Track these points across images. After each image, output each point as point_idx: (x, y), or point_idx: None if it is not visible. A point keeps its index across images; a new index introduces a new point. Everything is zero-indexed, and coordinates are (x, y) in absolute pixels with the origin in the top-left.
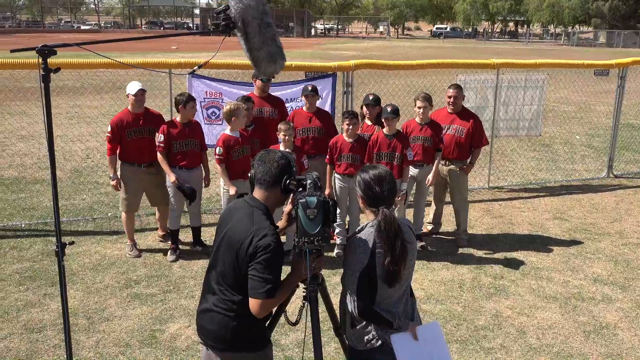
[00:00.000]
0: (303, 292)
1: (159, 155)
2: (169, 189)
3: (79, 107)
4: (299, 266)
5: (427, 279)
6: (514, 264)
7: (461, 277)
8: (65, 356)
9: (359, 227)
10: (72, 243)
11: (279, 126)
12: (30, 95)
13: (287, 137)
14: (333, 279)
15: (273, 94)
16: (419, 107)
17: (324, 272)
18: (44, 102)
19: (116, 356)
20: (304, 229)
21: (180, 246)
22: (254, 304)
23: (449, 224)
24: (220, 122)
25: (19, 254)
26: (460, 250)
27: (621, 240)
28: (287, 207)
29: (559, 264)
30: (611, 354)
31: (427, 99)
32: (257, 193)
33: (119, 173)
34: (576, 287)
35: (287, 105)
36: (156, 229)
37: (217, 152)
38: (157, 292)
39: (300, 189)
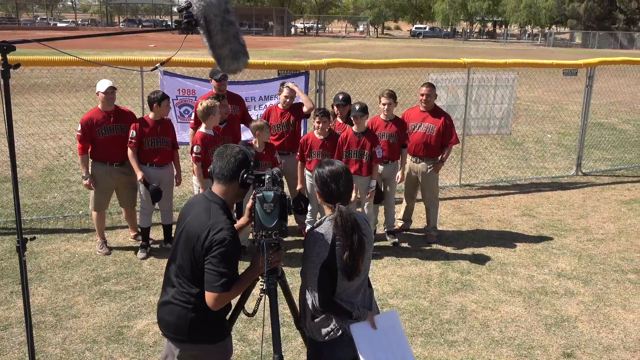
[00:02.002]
0: (261, 285)
1: (129, 151)
2: (139, 187)
3: (53, 105)
4: (257, 259)
5: (395, 275)
6: (481, 260)
7: (429, 272)
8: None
9: (317, 222)
10: (33, 239)
11: (255, 124)
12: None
13: (261, 137)
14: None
15: (247, 92)
16: (384, 104)
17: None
18: (4, 99)
19: (82, 352)
20: (261, 222)
21: (151, 244)
22: (209, 297)
23: (419, 220)
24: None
25: None
26: (430, 247)
27: (586, 236)
28: (249, 202)
29: (525, 259)
30: (570, 345)
31: (392, 96)
32: (216, 188)
33: (90, 171)
34: (540, 281)
35: (261, 103)
36: (127, 226)
37: (195, 150)
38: (126, 289)
39: (259, 183)
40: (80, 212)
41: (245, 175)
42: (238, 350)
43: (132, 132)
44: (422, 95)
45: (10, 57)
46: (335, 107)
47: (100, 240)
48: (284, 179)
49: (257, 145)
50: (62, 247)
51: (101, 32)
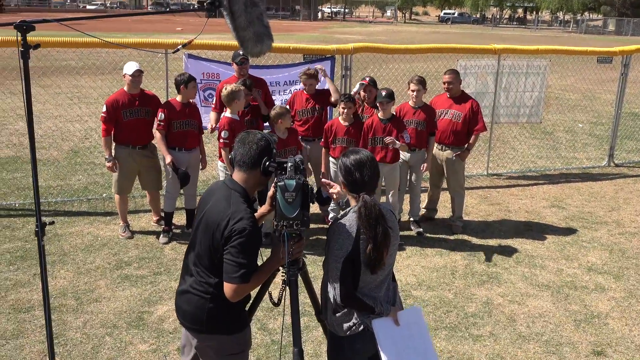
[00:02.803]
0: (282, 276)
1: (157, 134)
2: (165, 171)
3: (80, 87)
4: (278, 250)
5: (419, 265)
6: (508, 252)
7: (454, 263)
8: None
9: (342, 213)
10: (52, 223)
11: (276, 112)
12: (32, 74)
13: (283, 123)
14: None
15: (272, 77)
16: (412, 90)
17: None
18: (24, 79)
19: (102, 337)
20: (282, 212)
21: (173, 229)
22: (227, 288)
23: (445, 210)
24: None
25: (12, 233)
26: (455, 237)
27: (618, 230)
28: (271, 191)
29: (553, 252)
30: (601, 343)
31: (421, 82)
32: (237, 175)
33: (113, 154)
34: (569, 275)
35: (286, 88)
36: (150, 210)
37: (223, 135)
38: (147, 273)
39: (281, 171)
40: (104, 195)
41: (267, 163)
42: (258, 339)
43: (161, 115)
44: (445, 82)
45: (31, 38)
46: (361, 92)
47: (123, 223)
48: (309, 165)
49: (279, 133)
50: (85, 230)
51: (121, 13)
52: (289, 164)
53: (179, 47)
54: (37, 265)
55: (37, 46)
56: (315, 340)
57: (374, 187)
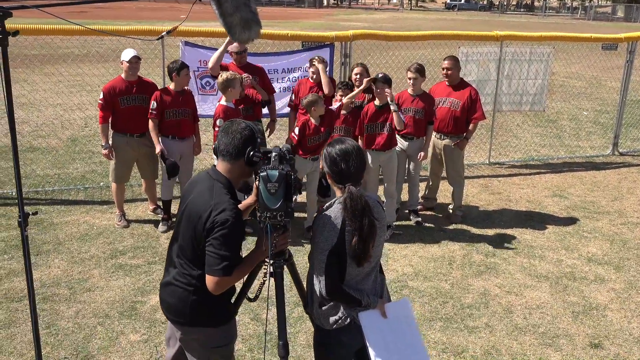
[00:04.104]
0: (265, 269)
1: (150, 123)
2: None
3: (81, 75)
4: (262, 242)
5: (416, 255)
6: (508, 242)
7: (452, 254)
8: (43, 325)
9: (327, 204)
10: (35, 213)
11: (307, 100)
12: (34, 62)
13: (317, 111)
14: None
15: (270, 64)
16: (410, 78)
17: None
18: (2, 66)
19: (94, 327)
20: (265, 203)
21: (172, 217)
22: (210, 281)
23: (444, 199)
24: (214, 93)
25: (7, 222)
26: (454, 227)
27: (620, 220)
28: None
29: (553, 243)
30: (598, 335)
31: (419, 70)
32: (220, 165)
33: (110, 142)
34: (569, 266)
35: (284, 75)
36: (146, 199)
37: (218, 124)
38: (142, 263)
39: (267, 161)
40: (102, 183)
41: (251, 153)
42: (251, 329)
43: (153, 103)
44: (444, 69)
45: (14, 25)
46: (353, 77)
47: (119, 212)
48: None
49: (312, 121)
50: (81, 219)
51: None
52: (274, 154)
53: (162, 34)
54: (32, 254)
55: (15, 33)
56: (308, 331)
57: (360, 178)
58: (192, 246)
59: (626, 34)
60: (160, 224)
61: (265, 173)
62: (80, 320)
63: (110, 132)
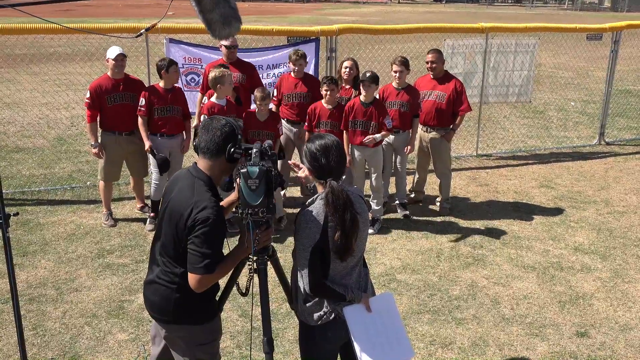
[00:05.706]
0: (249, 265)
1: (139, 120)
2: (149, 157)
3: (68, 74)
4: (244, 239)
5: (404, 248)
6: (495, 233)
7: (440, 246)
8: (29, 326)
9: (309, 200)
10: (16, 214)
11: (258, 95)
12: (20, 62)
13: (262, 107)
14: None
15: (255, 60)
16: (395, 72)
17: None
18: None
19: (81, 327)
20: (246, 200)
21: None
22: (192, 278)
23: (432, 191)
24: (199, 89)
25: None
26: (442, 219)
27: (606, 209)
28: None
29: (540, 233)
30: (585, 324)
31: (404, 63)
32: (201, 163)
33: (99, 140)
34: (556, 256)
35: (269, 71)
36: (133, 198)
37: (202, 120)
38: (129, 262)
39: (248, 157)
40: (88, 183)
41: (232, 150)
42: (239, 325)
43: (142, 100)
44: (428, 62)
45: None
46: (341, 71)
47: (106, 211)
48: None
49: (259, 115)
50: (68, 219)
51: None
52: (254, 150)
53: (142, 31)
54: (16, 255)
55: None
56: (296, 327)
57: (342, 173)
58: (174, 244)
59: (610, 23)
60: (148, 222)
61: (245, 169)
62: (68, 320)
63: (99, 130)
